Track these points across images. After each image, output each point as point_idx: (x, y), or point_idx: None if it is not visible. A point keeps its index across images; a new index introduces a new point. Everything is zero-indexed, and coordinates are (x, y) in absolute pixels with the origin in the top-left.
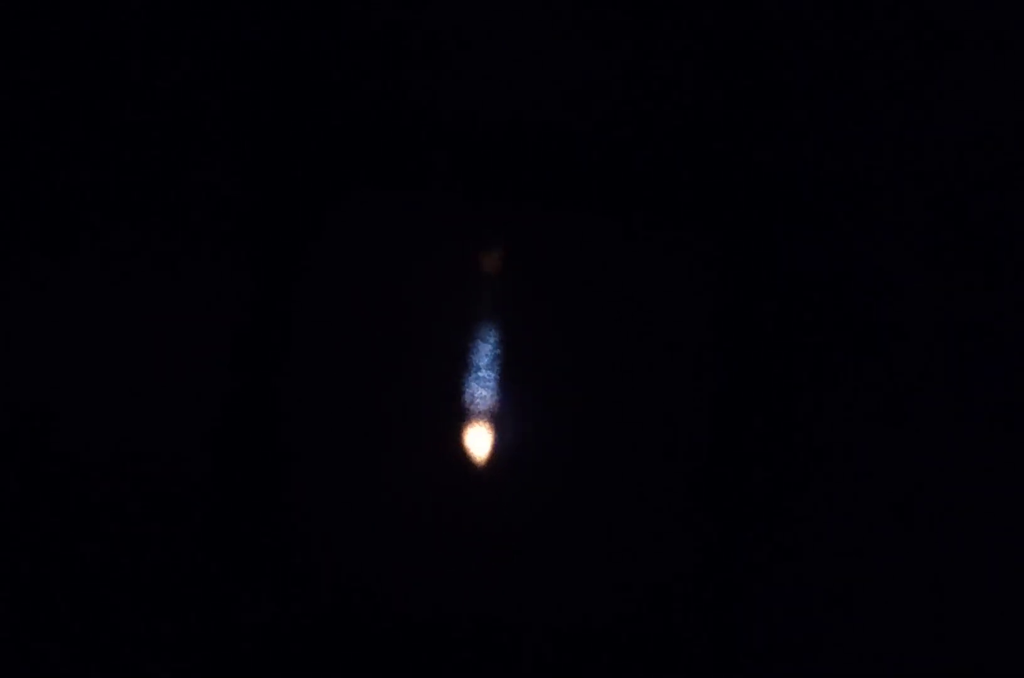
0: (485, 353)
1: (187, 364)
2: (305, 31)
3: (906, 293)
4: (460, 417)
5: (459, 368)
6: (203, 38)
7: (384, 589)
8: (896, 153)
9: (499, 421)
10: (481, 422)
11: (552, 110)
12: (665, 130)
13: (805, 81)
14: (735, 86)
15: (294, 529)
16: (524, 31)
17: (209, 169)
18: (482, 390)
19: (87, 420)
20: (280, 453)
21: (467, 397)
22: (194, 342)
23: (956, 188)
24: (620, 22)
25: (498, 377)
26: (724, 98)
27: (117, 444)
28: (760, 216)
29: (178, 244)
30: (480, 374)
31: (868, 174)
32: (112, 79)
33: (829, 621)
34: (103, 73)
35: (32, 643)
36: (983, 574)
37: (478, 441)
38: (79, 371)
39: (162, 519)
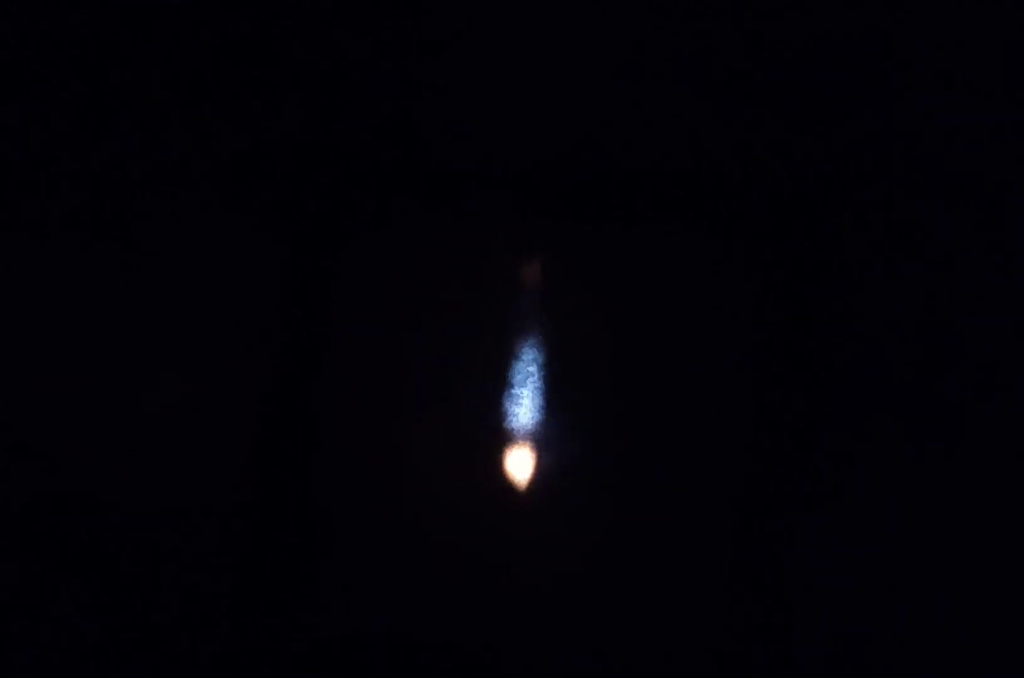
0: (529, 372)
1: (224, 380)
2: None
3: (950, 309)
4: (502, 438)
5: (503, 387)
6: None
7: (420, 620)
8: (936, 160)
9: (541, 441)
10: (523, 442)
11: (587, 125)
12: (700, 142)
13: (841, 88)
14: (766, 95)
15: (328, 554)
16: (556, 44)
17: (254, 198)
18: (526, 409)
19: (115, 434)
20: (314, 477)
21: (511, 417)
22: (233, 361)
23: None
24: (642, 34)
25: (543, 396)
26: (756, 107)
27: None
28: (799, 227)
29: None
30: (524, 392)
31: (909, 179)
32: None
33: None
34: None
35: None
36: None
37: (520, 462)
38: (115, 390)
39: (192, 536)
